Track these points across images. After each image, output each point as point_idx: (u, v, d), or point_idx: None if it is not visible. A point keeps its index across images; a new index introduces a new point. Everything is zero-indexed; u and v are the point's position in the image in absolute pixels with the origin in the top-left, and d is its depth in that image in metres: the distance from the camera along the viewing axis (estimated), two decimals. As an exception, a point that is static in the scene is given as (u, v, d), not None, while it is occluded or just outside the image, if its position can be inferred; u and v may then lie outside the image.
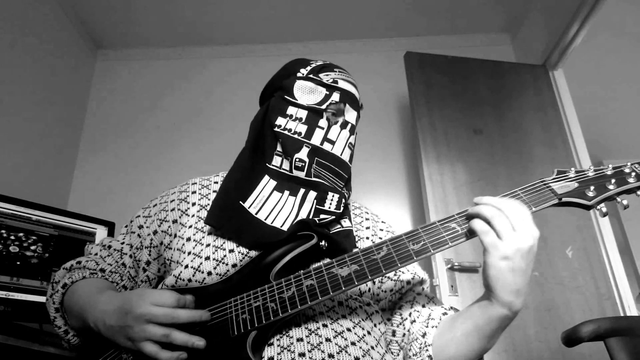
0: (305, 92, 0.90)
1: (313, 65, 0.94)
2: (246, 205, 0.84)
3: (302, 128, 0.88)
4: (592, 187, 0.71)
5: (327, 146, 0.88)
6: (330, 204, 0.84)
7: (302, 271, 0.72)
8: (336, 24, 2.73)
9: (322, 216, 0.82)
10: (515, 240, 0.64)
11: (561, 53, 2.34)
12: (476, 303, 0.71)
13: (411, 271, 0.90)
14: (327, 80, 0.91)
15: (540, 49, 2.45)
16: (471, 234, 0.69)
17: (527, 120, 2.26)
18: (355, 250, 0.73)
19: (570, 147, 2.24)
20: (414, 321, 0.82)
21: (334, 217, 0.83)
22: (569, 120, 2.31)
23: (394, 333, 0.83)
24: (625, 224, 3.85)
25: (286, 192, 0.86)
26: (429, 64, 2.33)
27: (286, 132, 0.88)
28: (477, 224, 0.67)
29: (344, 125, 0.90)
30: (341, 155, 0.89)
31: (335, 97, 0.90)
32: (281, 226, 0.81)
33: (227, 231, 0.81)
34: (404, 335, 0.81)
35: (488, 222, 0.66)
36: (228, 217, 0.82)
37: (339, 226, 0.85)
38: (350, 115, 0.92)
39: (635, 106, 3.34)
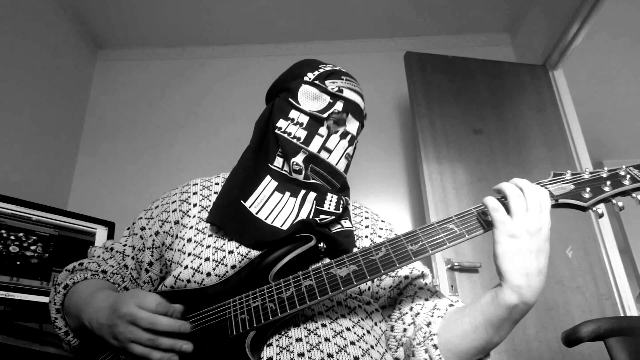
0: (309, 98, 0.91)
1: (321, 70, 0.94)
2: (247, 204, 0.84)
3: (302, 133, 0.89)
4: (587, 189, 0.72)
5: (323, 154, 0.88)
6: (330, 204, 0.85)
7: (301, 272, 0.72)
8: (336, 23, 2.73)
9: (322, 217, 0.83)
10: (525, 220, 0.65)
11: (561, 53, 2.34)
12: (487, 292, 0.70)
13: (409, 266, 0.89)
14: (333, 89, 0.91)
15: (540, 49, 2.45)
16: (470, 233, 0.69)
17: (527, 120, 2.26)
18: (354, 250, 0.73)
19: (570, 147, 2.24)
20: (418, 314, 0.80)
21: (334, 217, 0.83)
22: (569, 120, 2.31)
23: (392, 328, 0.83)
24: (625, 224, 3.85)
25: (287, 193, 0.87)
26: (429, 64, 2.33)
27: (286, 135, 0.89)
28: (489, 201, 0.68)
29: (343, 135, 0.91)
30: (336, 165, 0.90)
31: (339, 106, 0.90)
32: (281, 226, 0.82)
33: (229, 230, 0.81)
34: (404, 330, 0.81)
35: (504, 199, 0.68)
36: (229, 217, 0.82)
37: (339, 226, 0.86)
38: (352, 125, 0.92)
39: (635, 106, 3.34)
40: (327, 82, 0.92)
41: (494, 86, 2.34)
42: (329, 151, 0.89)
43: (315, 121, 0.90)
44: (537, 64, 2.46)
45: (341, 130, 0.91)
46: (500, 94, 2.32)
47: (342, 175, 0.92)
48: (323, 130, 0.89)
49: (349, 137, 0.91)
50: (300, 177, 0.87)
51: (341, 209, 0.85)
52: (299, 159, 0.88)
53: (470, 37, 2.81)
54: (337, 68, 0.96)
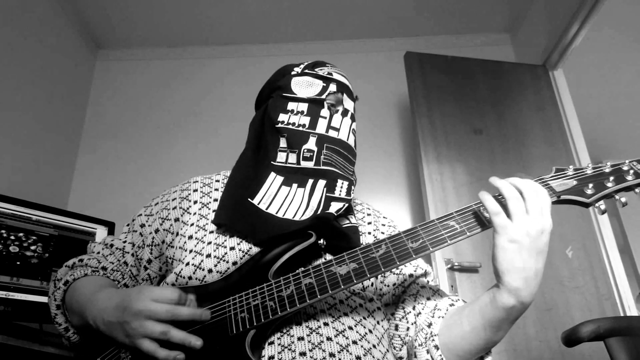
0: (304, 86, 0.92)
1: (305, 63, 0.97)
2: (255, 201, 0.84)
3: (306, 120, 0.89)
4: (590, 185, 0.71)
5: (332, 133, 0.89)
6: (341, 191, 0.85)
7: (301, 269, 0.72)
8: (336, 24, 2.73)
9: (333, 204, 0.82)
10: (525, 224, 0.64)
11: (561, 53, 2.34)
12: (485, 293, 0.71)
13: (413, 264, 0.90)
14: (323, 73, 0.93)
15: (540, 49, 2.45)
16: (471, 230, 0.69)
17: (527, 120, 2.26)
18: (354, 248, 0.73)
19: (570, 147, 2.24)
20: (419, 313, 0.81)
21: (346, 203, 0.83)
22: (569, 120, 2.31)
23: (396, 327, 0.83)
24: (625, 224, 3.85)
25: (294, 185, 0.86)
26: (429, 64, 2.33)
27: (290, 126, 0.89)
28: (489, 203, 0.67)
29: (344, 113, 0.92)
30: (347, 140, 0.90)
31: (333, 87, 0.92)
32: (293, 217, 0.82)
33: (241, 229, 0.81)
34: (407, 329, 0.81)
35: (502, 198, 0.67)
36: (238, 216, 0.82)
37: (347, 222, 0.86)
38: (348, 104, 0.94)
39: (635, 106, 3.34)
40: (316, 69, 0.94)
41: (494, 86, 2.34)
42: (336, 129, 0.90)
43: (315, 105, 0.90)
44: (537, 64, 2.46)
45: (341, 108, 0.92)
46: (500, 94, 2.32)
47: (354, 150, 0.93)
48: (324, 111, 0.90)
49: (349, 114, 0.93)
50: (311, 164, 0.86)
51: (352, 194, 0.86)
52: (310, 144, 0.87)
53: (470, 37, 2.81)
54: (319, 60, 0.99)
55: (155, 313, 0.67)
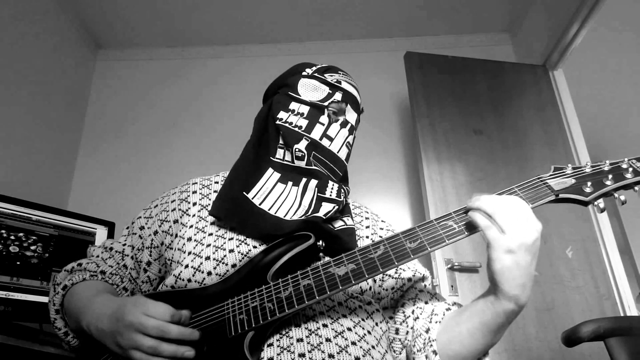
0: (309, 90, 0.93)
1: (318, 65, 0.98)
2: (250, 196, 0.85)
3: (303, 122, 0.90)
4: (589, 183, 0.70)
5: (325, 142, 0.90)
6: (331, 192, 0.86)
7: (299, 271, 0.72)
8: (336, 24, 2.73)
9: (324, 205, 0.83)
10: (519, 234, 0.63)
11: (561, 53, 2.34)
12: (481, 298, 0.70)
13: (412, 268, 0.91)
14: (331, 80, 0.93)
15: (541, 49, 2.45)
16: (470, 229, 0.68)
17: (527, 120, 2.26)
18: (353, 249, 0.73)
19: (570, 147, 2.24)
20: (417, 318, 0.81)
21: (337, 205, 0.84)
22: (569, 120, 2.31)
23: (397, 331, 0.83)
24: (625, 224, 3.85)
25: (289, 183, 0.88)
26: (429, 64, 2.33)
27: (287, 125, 0.90)
28: (478, 218, 0.66)
29: (344, 124, 0.92)
30: (338, 152, 0.91)
31: (338, 96, 0.92)
32: (284, 216, 0.82)
33: (233, 222, 0.82)
34: (407, 333, 0.81)
35: (490, 217, 0.65)
36: (232, 209, 0.83)
37: (342, 224, 0.86)
38: (351, 115, 0.94)
39: (635, 106, 3.34)
40: (325, 75, 0.95)
41: (494, 86, 2.33)
42: (331, 139, 0.90)
43: (316, 110, 0.91)
44: (537, 64, 2.46)
45: (341, 119, 0.92)
46: (500, 94, 2.32)
47: (343, 163, 0.93)
48: (324, 118, 0.91)
49: (348, 126, 0.93)
50: (303, 164, 0.88)
51: (342, 197, 0.86)
52: (301, 145, 0.89)
53: (470, 37, 2.81)
54: (333, 65, 0.99)
55: (144, 327, 0.66)
